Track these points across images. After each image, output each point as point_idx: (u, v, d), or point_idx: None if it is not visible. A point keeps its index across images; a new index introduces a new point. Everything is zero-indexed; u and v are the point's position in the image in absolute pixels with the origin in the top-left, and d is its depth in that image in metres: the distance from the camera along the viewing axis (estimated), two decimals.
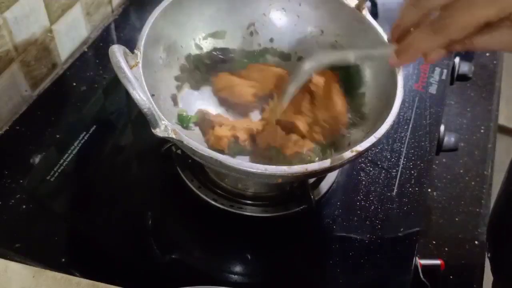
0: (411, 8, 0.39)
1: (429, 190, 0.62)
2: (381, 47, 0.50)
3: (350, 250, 0.53)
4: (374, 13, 0.77)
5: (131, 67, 0.43)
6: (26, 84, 0.62)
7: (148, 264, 0.51)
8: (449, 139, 0.66)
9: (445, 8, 0.35)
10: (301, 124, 0.54)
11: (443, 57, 0.37)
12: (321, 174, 0.57)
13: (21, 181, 0.55)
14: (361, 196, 0.58)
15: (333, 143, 0.54)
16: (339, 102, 0.54)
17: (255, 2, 0.60)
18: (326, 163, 0.43)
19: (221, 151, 0.52)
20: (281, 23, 0.61)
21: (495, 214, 0.62)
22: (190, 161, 0.57)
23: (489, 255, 0.60)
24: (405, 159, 0.62)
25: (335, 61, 0.51)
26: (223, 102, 0.59)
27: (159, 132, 0.41)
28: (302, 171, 0.42)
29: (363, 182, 0.60)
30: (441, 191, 0.63)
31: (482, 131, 0.72)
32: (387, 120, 0.45)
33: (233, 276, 0.51)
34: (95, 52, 0.71)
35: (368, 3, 0.57)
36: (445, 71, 0.74)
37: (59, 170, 0.56)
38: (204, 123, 0.55)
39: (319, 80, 0.54)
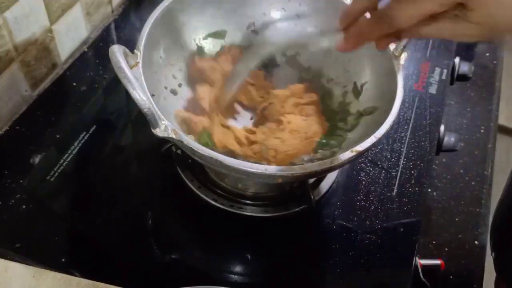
0: None
1: (429, 190, 0.62)
2: (330, 34, 0.50)
3: (350, 250, 0.53)
4: None
5: (131, 67, 0.43)
6: (26, 84, 0.62)
7: (148, 264, 0.51)
8: (449, 139, 0.66)
9: None
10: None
11: (393, 43, 0.39)
12: (321, 174, 0.57)
13: (21, 181, 0.55)
14: (361, 196, 0.58)
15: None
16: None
17: (255, 2, 0.60)
18: (326, 163, 0.43)
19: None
20: (281, 23, 0.61)
21: (499, 215, 0.62)
22: (190, 161, 0.57)
23: (493, 255, 0.60)
24: (405, 159, 0.62)
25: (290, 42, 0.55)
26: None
27: (159, 132, 0.41)
28: (302, 171, 0.42)
29: (363, 182, 0.60)
30: (441, 191, 0.63)
31: (482, 131, 0.72)
32: (387, 120, 0.45)
33: (233, 276, 0.51)
34: (95, 52, 0.71)
35: None
36: (445, 71, 0.74)
37: (59, 170, 0.56)
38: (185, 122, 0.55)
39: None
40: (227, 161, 0.41)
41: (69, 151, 0.58)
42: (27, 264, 0.46)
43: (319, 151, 0.52)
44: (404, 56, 0.50)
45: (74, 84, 0.66)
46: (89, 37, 0.73)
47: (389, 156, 0.62)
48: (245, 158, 0.51)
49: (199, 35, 0.58)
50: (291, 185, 0.57)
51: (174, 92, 0.55)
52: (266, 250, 0.54)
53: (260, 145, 0.52)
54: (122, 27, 0.75)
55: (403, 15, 0.35)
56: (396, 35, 0.39)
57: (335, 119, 0.56)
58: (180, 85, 0.56)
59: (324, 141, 0.53)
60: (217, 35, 0.59)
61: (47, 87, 0.66)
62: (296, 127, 0.53)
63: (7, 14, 0.55)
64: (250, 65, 0.57)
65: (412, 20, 0.35)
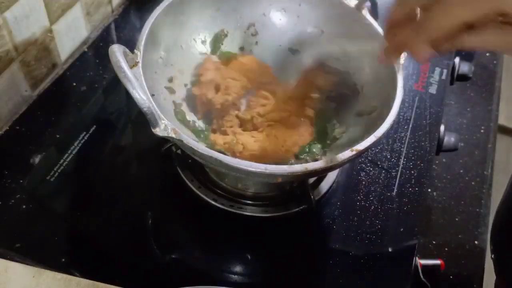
0: (398, 7, 0.40)
1: (429, 190, 0.62)
2: (372, 41, 0.50)
3: (350, 250, 0.53)
4: (374, 13, 0.78)
5: (131, 67, 0.43)
6: (26, 84, 0.62)
7: (148, 264, 0.51)
8: (449, 139, 0.66)
9: (425, 8, 0.35)
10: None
11: (435, 56, 0.38)
12: (321, 174, 0.57)
13: (21, 181, 0.55)
14: (361, 196, 0.58)
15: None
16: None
17: (255, 2, 0.60)
18: (326, 162, 0.43)
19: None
20: (281, 23, 0.61)
21: (500, 217, 0.62)
22: (190, 161, 0.57)
23: (492, 257, 0.60)
24: (405, 159, 0.62)
25: (329, 55, 0.54)
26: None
27: (159, 131, 0.41)
28: (302, 170, 0.42)
29: (363, 182, 0.60)
30: (441, 191, 0.63)
31: (482, 131, 0.72)
32: (387, 120, 0.46)
33: (233, 276, 0.51)
34: (95, 52, 0.71)
35: (368, 3, 0.57)
36: (445, 71, 0.74)
37: (59, 170, 0.56)
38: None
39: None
40: (227, 161, 0.41)
41: (69, 151, 0.58)
42: (27, 264, 0.46)
43: (302, 156, 0.53)
44: (404, 56, 0.50)
45: (74, 84, 0.66)
46: (89, 37, 0.73)
47: (389, 156, 0.62)
48: (213, 144, 0.52)
49: (199, 35, 0.58)
50: (291, 185, 0.57)
51: (173, 91, 0.55)
52: (266, 250, 0.54)
53: (232, 137, 0.53)
54: (122, 27, 0.75)
55: (435, 24, 0.34)
56: (437, 47, 0.37)
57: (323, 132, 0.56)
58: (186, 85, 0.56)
59: (307, 148, 0.54)
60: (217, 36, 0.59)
61: (47, 87, 0.66)
62: (277, 134, 0.54)
63: (7, 14, 0.55)
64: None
65: (444, 29, 0.34)
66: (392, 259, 0.53)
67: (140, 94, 0.39)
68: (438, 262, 0.54)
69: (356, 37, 0.56)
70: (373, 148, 0.62)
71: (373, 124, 0.47)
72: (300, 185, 0.56)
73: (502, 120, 0.82)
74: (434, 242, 0.58)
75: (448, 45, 0.36)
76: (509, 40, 0.33)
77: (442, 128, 0.66)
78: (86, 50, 0.71)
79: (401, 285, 0.51)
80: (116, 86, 0.66)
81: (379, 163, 0.62)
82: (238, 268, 0.52)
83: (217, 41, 0.59)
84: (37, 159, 0.57)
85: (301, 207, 0.55)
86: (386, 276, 0.52)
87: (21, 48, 0.59)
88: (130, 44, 0.45)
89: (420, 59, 0.38)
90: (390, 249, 0.54)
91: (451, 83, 0.75)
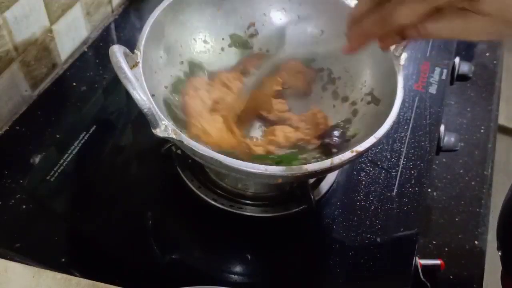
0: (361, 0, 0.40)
1: (429, 190, 0.62)
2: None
3: (350, 250, 0.53)
4: None
5: (131, 67, 0.43)
6: (26, 84, 0.62)
7: (148, 264, 0.51)
8: (449, 139, 0.66)
9: None
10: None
11: (401, 44, 0.38)
12: (321, 175, 0.57)
13: (21, 181, 0.55)
14: (361, 196, 0.58)
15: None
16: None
17: (255, 2, 0.60)
18: (326, 163, 0.43)
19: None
20: (281, 23, 0.61)
21: (505, 213, 0.62)
22: (190, 161, 0.57)
23: (500, 253, 0.60)
24: (405, 159, 0.62)
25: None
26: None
27: (159, 132, 0.41)
28: (302, 171, 0.42)
29: (363, 182, 0.60)
30: (441, 191, 0.63)
31: (482, 131, 0.72)
32: (387, 120, 0.45)
33: (233, 276, 0.51)
34: (95, 52, 0.71)
35: None
36: (445, 71, 0.74)
37: (59, 170, 0.56)
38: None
39: None
40: (227, 161, 0.41)
41: (69, 151, 0.58)
42: (27, 264, 0.46)
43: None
44: (404, 56, 0.50)
45: (74, 84, 0.66)
46: (89, 37, 0.73)
47: (389, 156, 0.62)
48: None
49: (199, 35, 0.58)
50: (291, 185, 0.57)
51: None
52: (266, 250, 0.54)
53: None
54: (122, 27, 0.75)
55: (403, 9, 0.34)
56: (401, 34, 0.38)
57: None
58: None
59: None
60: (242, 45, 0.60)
61: (47, 87, 0.66)
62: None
63: (7, 14, 0.55)
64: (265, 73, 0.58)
65: (413, 14, 0.34)
66: (392, 259, 0.53)
67: (140, 95, 0.39)
68: (438, 262, 0.54)
69: None
70: (373, 148, 0.62)
71: (373, 125, 0.47)
72: (300, 185, 0.56)
73: (502, 120, 0.82)
74: (434, 242, 0.58)
75: (413, 31, 0.36)
76: (468, 25, 0.33)
77: (442, 128, 0.66)
78: (86, 50, 0.71)
79: (401, 285, 0.51)
80: (116, 86, 0.66)
81: (379, 163, 0.62)
82: (238, 268, 0.52)
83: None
84: (37, 159, 0.57)
85: (301, 207, 0.55)
86: (386, 276, 0.52)
87: (21, 48, 0.59)
88: (130, 44, 0.45)
89: (386, 48, 0.40)
90: (390, 249, 0.54)
91: (451, 83, 0.75)
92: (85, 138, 0.60)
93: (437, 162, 0.66)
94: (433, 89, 0.71)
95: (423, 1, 0.33)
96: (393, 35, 0.38)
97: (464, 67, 0.76)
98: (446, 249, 0.57)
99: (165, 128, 0.41)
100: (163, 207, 0.56)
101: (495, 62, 0.82)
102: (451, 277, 0.55)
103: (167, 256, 0.52)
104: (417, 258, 0.53)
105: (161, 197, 0.57)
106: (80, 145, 0.59)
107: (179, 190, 0.56)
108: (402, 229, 0.55)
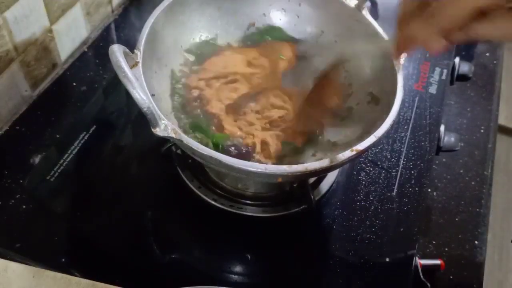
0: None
1: (429, 190, 0.62)
2: (379, 41, 0.50)
3: (350, 250, 0.53)
4: (374, 13, 0.78)
5: (131, 67, 0.43)
6: (26, 84, 0.62)
7: (148, 264, 0.51)
8: (449, 139, 0.66)
9: None
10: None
11: (447, 48, 0.37)
12: (321, 174, 0.57)
13: (21, 181, 0.55)
14: (361, 196, 0.58)
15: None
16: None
17: (255, 2, 0.60)
18: (326, 162, 0.43)
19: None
20: (281, 23, 0.61)
21: None
22: (190, 161, 0.57)
23: None
24: (405, 159, 0.62)
25: (336, 58, 0.53)
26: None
27: (159, 131, 0.41)
28: (302, 170, 0.42)
29: (363, 182, 0.60)
30: (441, 191, 0.63)
31: (482, 131, 0.72)
32: (387, 120, 0.45)
33: (233, 276, 0.51)
34: (95, 52, 0.71)
35: (368, 3, 0.57)
36: (445, 71, 0.74)
37: (59, 170, 0.56)
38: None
39: None
40: (227, 161, 0.41)
41: (69, 151, 0.58)
42: (27, 264, 0.46)
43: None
44: (404, 56, 0.50)
45: (74, 84, 0.66)
46: (89, 37, 0.73)
47: (389, 156, 0.62)
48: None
49: (199, 35, 0.58)
50: (291, 185, 0.57)
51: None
52: (266, 250, 0.54)
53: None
54: (122, 27, 0.75)
55: (445, 12, 0.34)
56: (449, 36, 0.36)
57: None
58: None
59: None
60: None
61: (47, 87, 0.66)
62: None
63: (7, 14, 0.55)
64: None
65: (455, 17, 0.34)
66: (392, 259, 0.53)
67: (140, 94, 0.39)
68: (438, 262, 0.54)
69: (356, 37, 0.56)
70: (373, 148, 0.62)
71: (373, 124, 0.47)
72: (300, 185, 0.56)
73: (502, 120, 0.82)
74: (434, 242, 0.58)
75: (461, 35, 0.35)
76: None
77: (442, 128, 0.66)
78: (86, 50, 0.71)
79: (401, 285, 0.51)
80: (116, 86, 0.66)
81: (379, 163, 0.62)
82: (238, 268, 0.52)
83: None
84: (37, 159, 0.57)
85: (301, 207, 0.55)
86: (386, 276, 0.52)
87: (21, 48, 0.59)
88: (130, 44, 0.45)
89: (433, 51, 0.38)
90: (390, 249, 0.54)
91: (451, 83, 0.75)
92: (85, 138, 0.60)
93: (437, 162, 0.66)
94: (433, 89, 0.71)
95: (465, 2, 0.32)
96: (439, 39, 0.37)
97: (464, 67, 0.76)
98: (446, 249, 0.57)
99: (164, 128, 0.41)
100: (163, 207, 0.56)
101: (495, 62, 0.82)
102: (451, 277, 0.55)
103: (167, 256, 0.52)
104: (417, 258, 0.53)
105: (161, 197, 0.57)
106: (80, 145, 0.59)
107: (179, 190, 0.56)
108: (402, 229, 0.55)
